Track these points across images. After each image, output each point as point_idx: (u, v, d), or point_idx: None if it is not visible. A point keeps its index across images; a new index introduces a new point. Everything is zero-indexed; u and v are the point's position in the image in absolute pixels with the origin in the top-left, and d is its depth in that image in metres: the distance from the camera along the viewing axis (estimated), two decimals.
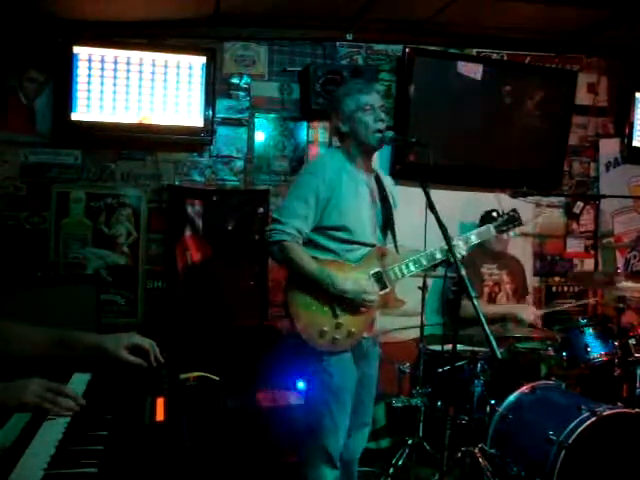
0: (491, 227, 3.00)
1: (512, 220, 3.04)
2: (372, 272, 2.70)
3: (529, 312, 4.10)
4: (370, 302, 2.65)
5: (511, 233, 3.05)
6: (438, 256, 2.76)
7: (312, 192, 2.63)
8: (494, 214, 3.10)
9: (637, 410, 3.13)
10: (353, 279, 2.63)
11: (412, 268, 2.76)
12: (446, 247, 2.63)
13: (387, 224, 2.81)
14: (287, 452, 3.33)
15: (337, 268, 2.64)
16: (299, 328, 2.62)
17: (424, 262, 2.77)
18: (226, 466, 3.24)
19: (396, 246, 2.83)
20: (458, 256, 2.66)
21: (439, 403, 3.44)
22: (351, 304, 2.63)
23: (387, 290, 2.73)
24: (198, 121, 4.06)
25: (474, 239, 2.90)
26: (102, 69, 3.90)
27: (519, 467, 3.17)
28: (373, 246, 2.73)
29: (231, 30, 4.22)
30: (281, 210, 2.71)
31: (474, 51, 4.65)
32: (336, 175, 2.66)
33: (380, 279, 2.71)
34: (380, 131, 2.69)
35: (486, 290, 4.20)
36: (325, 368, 2.64)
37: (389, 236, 2.83)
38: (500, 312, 4.08)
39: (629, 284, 3.66)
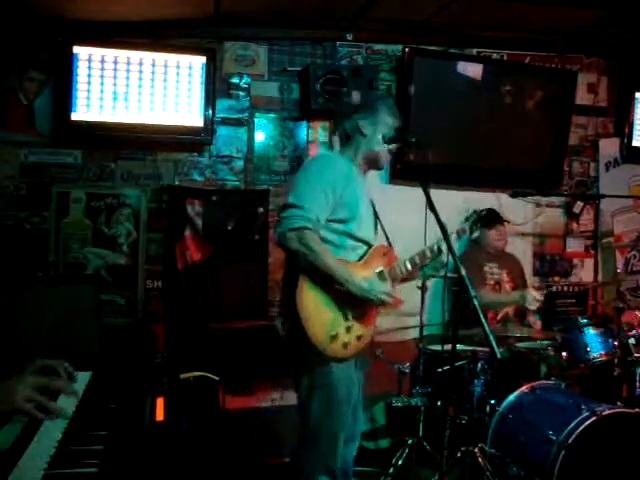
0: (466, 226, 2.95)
1: (480, 217, 3.01)
2: (377, 271, 2.69)
3: (532, 295, 4.13)
4: (387, 301, 2.59)
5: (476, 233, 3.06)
6: (428, 254, 2.75)
7: (329, 183, 2.53)
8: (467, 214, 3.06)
9: (637, 410, 3.13)
10: (366, 278, 2.61)
11: (409, 267, 2.75)
12: (436, 244, 2.70)
13: (376, 224, 2.83)
14: (285, 452, 3.34)
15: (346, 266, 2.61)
16: (308, 332, 2.47)
17: (427, 253, 2.76)
18: (223, 466, 3.25)
19: (390, 244, 2.84)
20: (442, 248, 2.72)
21: (439, 403, 3.43)
22: (364, 304, 2.58)
23: (390, 289, 2.73)
24: (198, 121, 4.06)
25: (455, 236, 2.87)
26: (102, 69, 3.90)
27: (519, 467, 3.17)
28: (371, 245, 2.71)
29: (231, 30, 4.22)
30: (299, 195, 2.50)
31: (474, 51, 4.65)
32: (346, 171, 2.63)
33: (384, 278, 2.71)
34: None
35: (487, 288, 4.20)
36: (329, 379, 2.55)
37: (378, 235, 2.83)
38: (506, 300, 4.09)
39: None
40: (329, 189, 2.53)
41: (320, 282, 2.51)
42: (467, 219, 2.99)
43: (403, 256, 2.79)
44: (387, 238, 2.85)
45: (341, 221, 2.60)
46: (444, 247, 2.72)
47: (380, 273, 2.69)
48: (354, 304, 2.57)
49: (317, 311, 2.51)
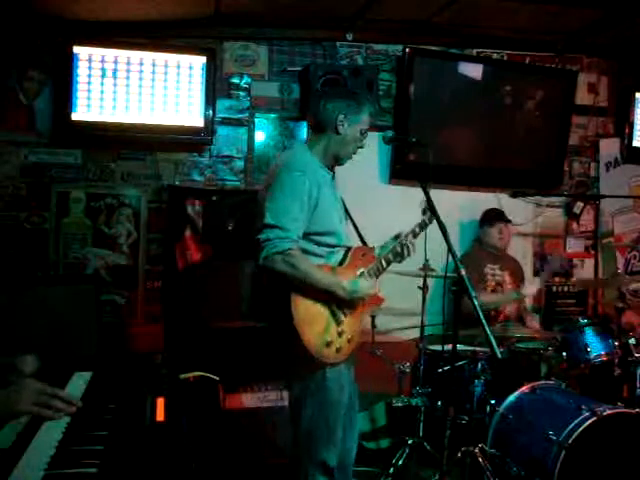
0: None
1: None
2: (358, 272, 2.69)
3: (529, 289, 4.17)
4: (373, 293, 2.66)
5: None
6: (399, 249, 2.72)
7: (305, 192, 2.50)
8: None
9: (637, 410, 3.13)
10: (352, 280, 2.62)
11: (385, 264, 2.73)
12: (405, 240, 2.69)
13: (345, 220, 2.80)
14: (285, 453, 3.33)
15: (331, 272, 2.62)
16: (304, 342, 2.48)
17: (398, 249, 2.74)
18: (223, 466, 3.24)
19: (363, 240, 2.84)
20: (410, 245, 2.72)
21: (439, 403, 3.43)
22: (353, 305, 2.61)
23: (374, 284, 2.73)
24: (198, 121, 4.06)
25: (417, 230, 2.80)
26: (102, 69, 3.89)
27: (519, 467, 3.17)
28: (349, 247, 2.70)
29: (231, 30, 4.22)
30: (278, 215, 2.47)
31: (474, 51, 4.65)
32: (318, 178, 2.59)
33: (365, 278, 2.71)
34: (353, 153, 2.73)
35: (488, 290, 4.20)
36: (324, 384, 2.57)
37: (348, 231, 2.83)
38: (501, 299, 4.10)
39: None
40: (306, 199, 2.50)
41: (310, 294, 2.52)
42: (424, 211, 2.90)
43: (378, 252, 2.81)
44: (359, 234, 2.85)
45: (322, 233, 2.60)
46: (409, 242, 2.71)
47: (361, 274, 2.70)
48: (344, 308, 2.59)
49: (311, 321, 2.52)
